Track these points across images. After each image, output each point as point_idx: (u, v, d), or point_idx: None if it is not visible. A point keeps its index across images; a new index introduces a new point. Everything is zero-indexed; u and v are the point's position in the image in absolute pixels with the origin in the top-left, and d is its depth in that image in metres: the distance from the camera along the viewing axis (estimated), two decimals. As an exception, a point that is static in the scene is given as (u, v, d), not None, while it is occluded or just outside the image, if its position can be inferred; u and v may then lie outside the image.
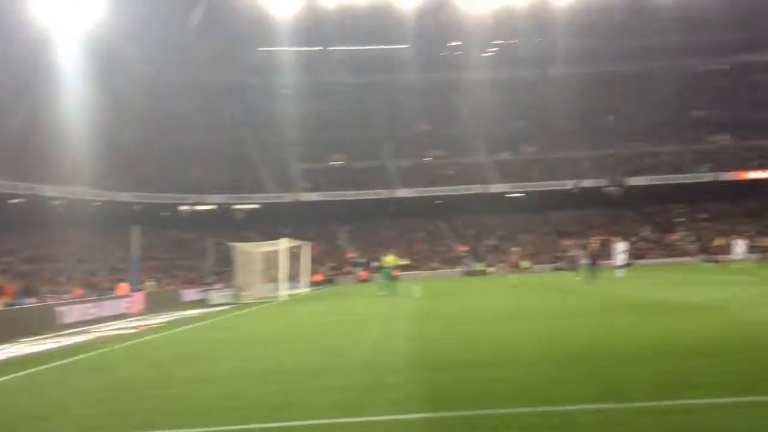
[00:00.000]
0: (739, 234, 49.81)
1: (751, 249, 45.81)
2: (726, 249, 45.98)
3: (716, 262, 52.39)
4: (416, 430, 6.50)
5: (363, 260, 59.99)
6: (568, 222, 66.08)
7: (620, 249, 32.85)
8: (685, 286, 24.59)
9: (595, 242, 31.43)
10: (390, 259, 31.41)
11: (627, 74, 76.43)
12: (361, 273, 57.11)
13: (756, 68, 76.68)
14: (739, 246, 41.28)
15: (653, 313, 15.51)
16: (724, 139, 70.28)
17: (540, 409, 6.81)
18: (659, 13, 68.82)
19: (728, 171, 65.02)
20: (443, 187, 66.58)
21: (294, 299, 33.63)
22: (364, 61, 75.75)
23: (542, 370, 8.98)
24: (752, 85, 75.43)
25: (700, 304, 16.87)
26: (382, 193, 65.77)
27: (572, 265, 42.56)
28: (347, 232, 66.25)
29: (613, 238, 37.94)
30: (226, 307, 30.53)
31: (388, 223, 66.00)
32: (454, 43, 76.81)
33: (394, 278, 31.12)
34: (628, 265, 32.37)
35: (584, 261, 31.82)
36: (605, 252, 34.60)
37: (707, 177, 64.82)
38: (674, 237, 61.67)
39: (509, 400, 7.20)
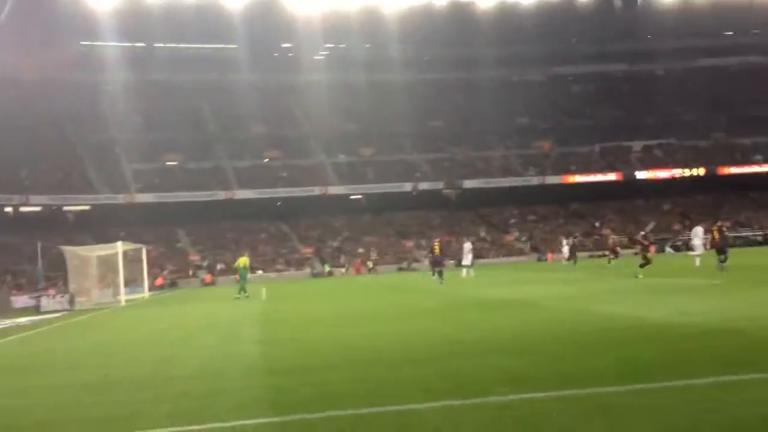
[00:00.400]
0: (566, 235, 52.85)
1: (578, 248, 48.70)
2: (556, 248, 48.67)
3: (545, 260, 55.43)
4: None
5: (206, 263, 58.46)
6: (409, 223, 67.55)
7: (467, 249, 33.96)
8: (523, 285, 25.69)
9: (437, 243, 32.08)
10: (244, 260, 30.72)
11: (455, 81, 79.19)
12: (207, 276, 55.60)
13: (568, 79, 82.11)
14: (566, 246, 43.86)
15: (492, 309, 16.06)
16: (546, 144, 74.35)
17: (383, 408, 6.76)
18: (483, 25, 71.72)
19: (553, 175, 68.90)
20: (283, 189, 66.07)
21: (133, 304, 32.20)
22: (193, 59, 73.91)
23: (386, 369, 8.99)
24: (568, 95, 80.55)
25: (531, 300, 17.67)
26: (220, 195, 64.33)
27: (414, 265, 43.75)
28: (187, 235, 64.28)
29: (462, 239, 39.43)
30: (60, 314, 28.73)
31: (229, 224, 64.66)
32: (286, 45, 76.54)
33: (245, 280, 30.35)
34: (472, 264, 33.50)
35: (428, 261, 32.53)
36: (448, 252, 35.61)
37: (535, 180, 68.35)
38: (509, 237, 64.55)
39: (353, 402, 7.09)
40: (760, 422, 5.48)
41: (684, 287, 19.31)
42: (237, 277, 31.24)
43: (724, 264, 24.39)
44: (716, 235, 26.11)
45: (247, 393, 8.05)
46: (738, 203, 68.04)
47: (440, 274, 29.70)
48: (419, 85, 76.60)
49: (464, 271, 33.24)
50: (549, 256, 58.51)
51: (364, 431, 6.08)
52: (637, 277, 23.82)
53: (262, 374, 9.34)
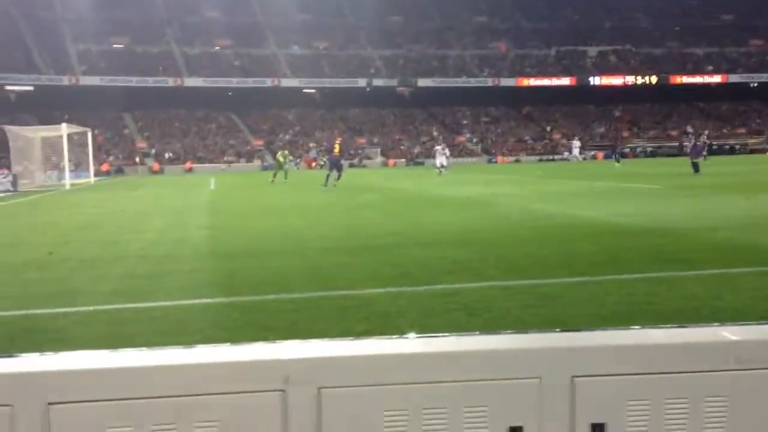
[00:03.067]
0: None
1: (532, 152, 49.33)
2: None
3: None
4: (205, 314, 6.32)
5: (154, 151, 57.46)
6: (362, 119, 67.06)
7: (439, 151, 34.63)
8: (472, 185, 25.98)
9: (338, 142, 28.48)
10: (284, 153, 32.58)
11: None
12: (154, 164, 54.75)
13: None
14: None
15: (439, 206, 16.26)
16: (502, 46, 73.58)
17: (331, 292, 6.88)
18: None
19: (508, 77, 68.60)
20: (235, 78, 64.57)
21: (78, 189, 31.67)
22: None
23: (336, 257, 9.10)
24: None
25: (479, 198, 17.92)
26: (169, 81, 62.59)
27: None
28: (135, 121, 62.80)
29: (440, 140, 39.86)
30: (2, 195, 28.13)
31: (178, 112, 63.29)
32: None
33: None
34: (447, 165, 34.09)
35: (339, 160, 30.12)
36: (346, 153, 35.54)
37: (489, 82, 68.04)
38: (461, 138, 64.68)
39: (301, 286, 7.19)
40: (693, 314, 5.74)
41: (626, 191, 19.78)
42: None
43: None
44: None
45: (195, 275, 8.09)
46: (687, 113, 69.05)
47: (338, 176, 26.09)
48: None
49: (442, 170, 33.17)
50: (499, 158, 59.04)
51: (311, 313, 6.19)
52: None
53: (211, 257, 9.38)
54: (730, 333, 1.99)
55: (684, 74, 69.85)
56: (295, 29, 70.15)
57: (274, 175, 30.87)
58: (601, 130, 66.46)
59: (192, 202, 20.43)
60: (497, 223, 12.51)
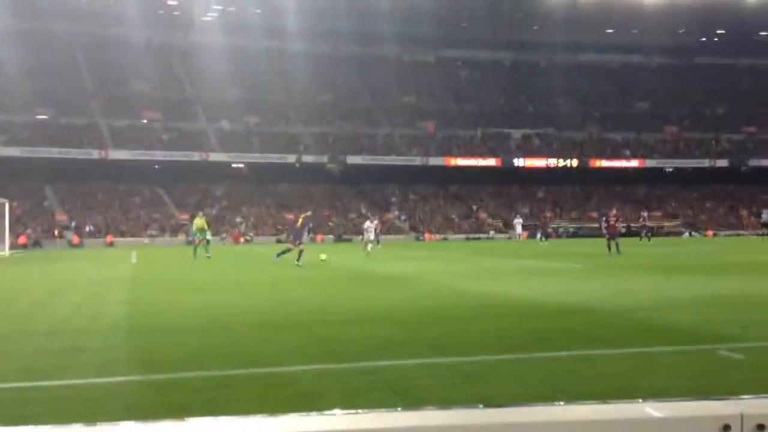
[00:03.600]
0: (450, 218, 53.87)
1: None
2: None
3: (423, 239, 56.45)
4: (118, 393, 6.03)
5: (74, 223, 55.92)
6: (290, 195, 67.07)
7: (370, 226, 34.57)
8: (402, 261, 26.05)
9: (302, 216, 28.76)
10: (200, 222, 30.85)
11: (346, 56, 78.91)
12: (74, 237, 53.20)
13: (457, 63, 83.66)
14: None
15: (368, 283, 16.20)
16: (431, 126, 75.22)
17: (254, 370, 6.69)
18: (380, 1, 71.64)
19: (436, 156, 69.97)
20: (161, 152, 63.92)
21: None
22: (74, 10, 69.93)
23: (260, 334, 8.91)
24: (455, 79, 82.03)
25: (407, 275, 17.97)
26: (93, 153, 61.52)
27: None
28: (55, 193, 61.21)
29: (370, 216, 39.92)
30: None
31: (101, 185, 62.02)
32: (172, 2, 73.80)
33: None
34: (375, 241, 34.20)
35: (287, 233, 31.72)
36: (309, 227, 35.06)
37: (418, 160, 69.24)
38: (389, 215, 65.20)
39: (223, 363, 6.97)
40: (615, 392, 5.77)
41: (549, 270, 20.15)
42: (197, 240, 30.43)
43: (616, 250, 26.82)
44: (612, 223, 28.86)
45: (111, 352, 7.77)
46: (606, 195, 71.48)
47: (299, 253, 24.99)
48: (310, 57, 75.74)
49: (368, 246, 32.41)
50: (426, 236, 59.67)
51: (233, 392, 5.98)
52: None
53: (128, 333, 9.05)
54: (653, 409, 1.98)
55: (603, 158, 72.60)
56: (226, 104, 70.32)
57: (195, 250, 30.02)
58: (526, 210, 68.07)
59: (111, 276, 19.83)
60: (424, 301, 12.52)
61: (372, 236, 33.72)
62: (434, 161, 68.85)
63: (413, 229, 62.31)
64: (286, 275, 19.28)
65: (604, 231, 29.39)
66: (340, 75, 77.02)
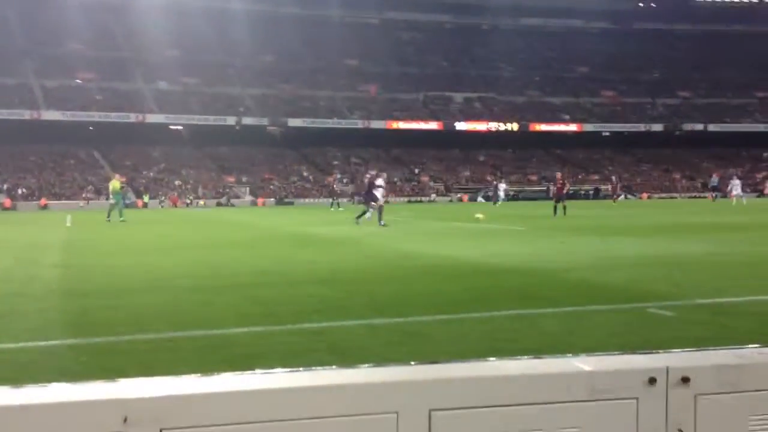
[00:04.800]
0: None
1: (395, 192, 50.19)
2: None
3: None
4: (52, 356, 5.90)
5: (6, 186, 54.24)
6: (230, 158, 66.19)
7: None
8: (345, 224, 26.03)
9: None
10: (116, 184, 29.87)
11: (288, 16, 77.74)
12: (5, 200, 51.59)
13: (400, 25, 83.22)
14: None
15: (309, 244, 16.17)
16: (373, 89, 74.87)
17: (193, 332, 6.62)
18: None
19: (378, 119, 69.83)
20: (96, 113, 62.21)
21: None
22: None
23: (199, 296, 8.82)
24: (398, 41, 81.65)
25: (349, 237, 17.98)
26: (25, 114, 59.53)
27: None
28: (-16, 155, 59.14)
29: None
30: None
31: (34, 147, 60.17)
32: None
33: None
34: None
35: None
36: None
37: (360, 124, 69.02)
38: (330, 178, 65.01)
39: (161, 326, 6.89)
40: (550, 349, 5.89)
41: (490, 232, 20.41)
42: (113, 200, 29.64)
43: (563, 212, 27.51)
44: (559, 186, 29.46)
45: (45, 315, 7.60)
46: (545, 159, 72.53)
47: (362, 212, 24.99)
48: (251, 16, 74.30)
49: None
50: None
51: (170, 355, 5.92)
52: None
53: (63, 296, 8.86)
54: (583, 363, 2.02)
55: (543, 122, 73.49)
56: (163, 64, 68.67)
57: (110, 212, 28.89)
58: (467, 173, 68.65)
59: (45, 240, 19.34)
60: (366, 262, 12.57)
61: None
62: (376, 124, 68.72)
63: (356, 193, 62.17)
64: (224, 238, 19.11)
65: (552, 193, 30.08)
66: (281, 36, 75.83)
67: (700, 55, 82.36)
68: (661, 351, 2.16)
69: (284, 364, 5.44)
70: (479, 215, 25.59)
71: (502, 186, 52.94)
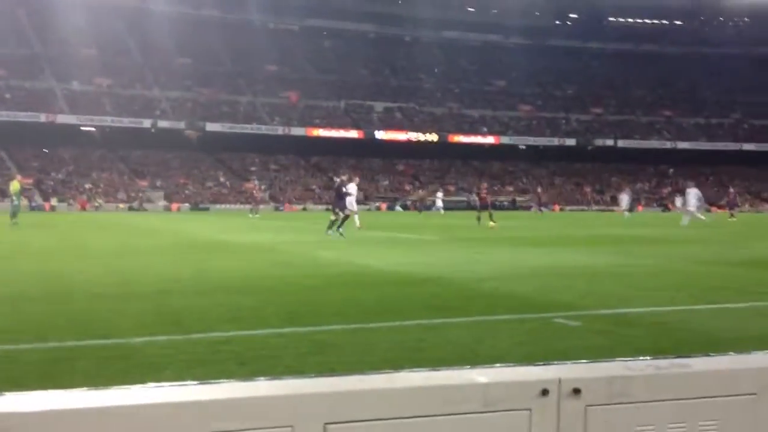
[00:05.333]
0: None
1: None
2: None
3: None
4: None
5: None
6: (145, 162, 64.67)
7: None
8: (260, 231, 25.74)
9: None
10: (16, 185, 28.98)
11: (208, 19, 76.75)
12: None
13: (322, 33, 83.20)
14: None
15: (223, 252, 15.92)
16: (293, 95, 74.42)
17: (95, 342, 6.42)
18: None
19: (298, 126, 69.50)
20: (3, 112, 59.79)
21: None
22: None
23: (104, 304, 8.55)
24: (319, 49, 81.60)
25: (263, 245, 17.79)
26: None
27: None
28: None
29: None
30: None
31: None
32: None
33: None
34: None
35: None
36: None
37: (279, 130, 68.55)
38: (248, 184, 64.31)
39: (62, 334, 6.65)
40: (457, 359, 5.95)
41: (407, 242, 20.56)
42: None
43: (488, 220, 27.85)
44: (483, 196, 30.14)
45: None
46: (463, 170, 73.64)
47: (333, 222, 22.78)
48: (170, 17, 72.88)
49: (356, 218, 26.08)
50: (287, 206, 59.33)
51: (70, 365, 5.71)
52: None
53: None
54: (479, 375, 2.04)
55: (461, 134, 74.63)
56: (76, 63, 66.54)
57: (13, 216, 27.44)
58: (386, 182, 69.04)
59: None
60: (280, 270, 12.45)
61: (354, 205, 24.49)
62: (296, 131, 68.43)
63: (273, 199, 61.74)
64: (134, 244, 18.63)
65: (476, 203, 30.69)
66: (201, 39, 74.73)
67: (612, 73, 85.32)
68: (554, 363, 2.20)
69: (188, 375, 5.32)
70: (492, 223, 25.72)
71: (440, 194, 53.39)
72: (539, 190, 55.33)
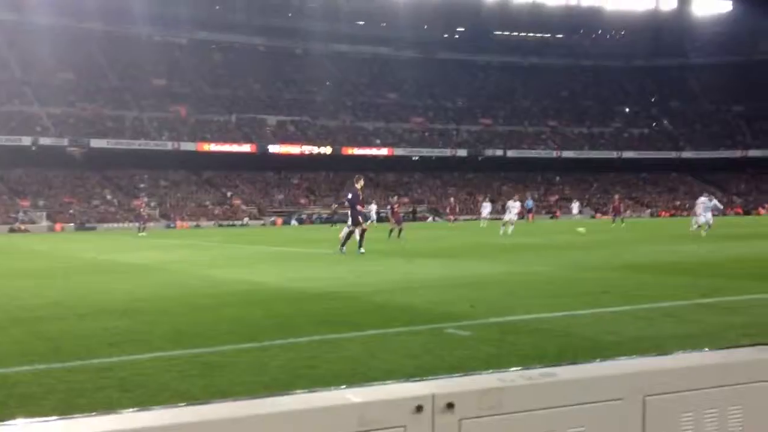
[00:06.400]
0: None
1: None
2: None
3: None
4: None
5: None
6: (25, 180, 61.80)
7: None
8: (151, 250, 25.00)
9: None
10: None
11: (90, 33, 74.25)
12: None
13: (211, 46, 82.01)
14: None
15: (108, 272, 15.36)
16: (182, 110, 73.01)
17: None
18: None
19: (188, 141, 68.10)
20: None
21: None
22: None
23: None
24: (209, 62, 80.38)
25: (151, 264, 17.28)
26: None
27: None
28: None
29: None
30: None
31: None
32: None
33: None
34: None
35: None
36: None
37: (169, 145, 66.98)
38: (137, 202, 62.43)
39: None
40: (350, 375, 5.91)
41: (300, 256, 20.42)
42: None
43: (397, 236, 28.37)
44: (396, 210, 30.48)
45: None
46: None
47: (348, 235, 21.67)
48: (50, 31, 69.97)
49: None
50: (178, 223, 57.98)
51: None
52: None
53: None
54: (353, 395, 2.03)
55: (355, 146, 75.03)
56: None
57: None
58: (281, 196, 68.54)
59: None
60: (168, 290, 12.10)
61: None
62: (186, 146, 67.07)
63: (164, 216, 60.18)
64: (12, 267, 17.74)
65: (390, 217, 31.03)
66: (83, 52, 72.16)
67: (500, 85, 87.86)
68: (428, 378, 2.21)
69: (67, 406, 5.06)
70: (581, 229, 24.99)
71: (373, 207, 52.55)
72: (451, 200, 56.17)
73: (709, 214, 26.92)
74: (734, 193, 75.56)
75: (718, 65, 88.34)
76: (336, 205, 61.29)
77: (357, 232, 19.59)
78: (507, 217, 32.49)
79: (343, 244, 19.75)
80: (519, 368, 2.31)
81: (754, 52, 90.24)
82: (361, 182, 20.56)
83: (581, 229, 24.54)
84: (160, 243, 30.38)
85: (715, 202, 29.17)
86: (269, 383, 5.74)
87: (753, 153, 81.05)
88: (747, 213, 66.17)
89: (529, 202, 50.63)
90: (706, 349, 2.84)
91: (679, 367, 2.37)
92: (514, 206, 33.36)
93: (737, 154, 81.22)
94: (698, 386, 2.27)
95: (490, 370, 2.35)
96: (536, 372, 2.27)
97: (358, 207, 19.89)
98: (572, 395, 2.18)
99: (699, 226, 26.19)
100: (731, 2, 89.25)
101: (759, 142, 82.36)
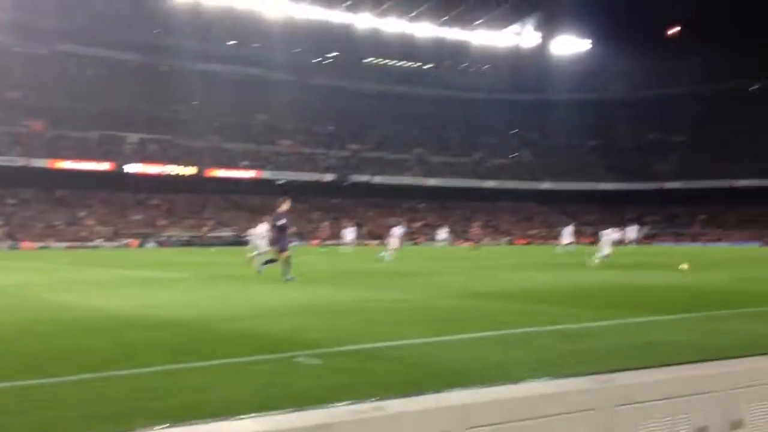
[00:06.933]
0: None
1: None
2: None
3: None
4: None
5: None
6: None
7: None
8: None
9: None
10: None
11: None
12: None
13: (72, 59, 78.47)
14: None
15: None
16: (38, 124, 69.23)
17: None
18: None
19: (40, 158, 64.57)
20: None
21: None
22: None
23: None
24: (70, 75, 76.81)
25: None
26: None
27: None
28: None
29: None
30: None
31: None
32: None
33: None
34: None
35: None
36: None
37: (20, 161, 63.31)
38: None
39: None
40: (193, 407, 5.66)
41: (153, 281, 19.70)
42: None
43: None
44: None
45: None
46: (221, 204, 72.54)
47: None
48: None
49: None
50: (25, 244, 54.69)
51: None
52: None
53: None
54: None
55: (221, 167, 73.61)
56: None
57: None
58: (138, 217, 66.10)
59: None
60: (4, 317, 11.26)
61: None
62: (38, 162, 63.63)
63: (10, 236, 56.48)
64: None
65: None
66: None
67: (369, 111, 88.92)
68: (261, 414, 2.15)
69: None
70: (684, 266, 21.85)
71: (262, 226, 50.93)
72: (326, 224, 56.01)
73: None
74: (585, 223, 79.90)
75: (574, 102, 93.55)
76: (206, 227, 59.86)
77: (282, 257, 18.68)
78: (391, 244, 33.56)
79: (265, 263, 19.48)
80: (348, 402, 2.27)
81: (608, 91, 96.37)
82: (287, 204, 19.76)
83: (684, 266, 21.98)
84: (2, 265, 28.46)
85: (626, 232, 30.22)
86: (109, 417, 5.43)
87: (603, 186, 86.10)
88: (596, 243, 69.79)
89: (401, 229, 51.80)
90: (539, 380, 2.89)
91: (502, 398, 2.39)
92: (397, 232, 34.83)
93: (588, 186, 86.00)
94: (520, 417, 2.30)
95: (325, 404, 2.28)
96: (366, 406, 2.24)
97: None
98: (401, 428, 2.17)
99: (602, 258, 26.69)
100: (590, 42, 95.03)
101: (609, 175, 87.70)
